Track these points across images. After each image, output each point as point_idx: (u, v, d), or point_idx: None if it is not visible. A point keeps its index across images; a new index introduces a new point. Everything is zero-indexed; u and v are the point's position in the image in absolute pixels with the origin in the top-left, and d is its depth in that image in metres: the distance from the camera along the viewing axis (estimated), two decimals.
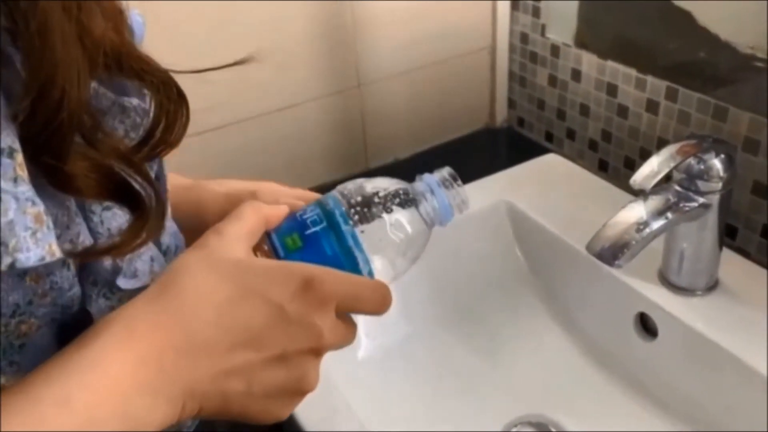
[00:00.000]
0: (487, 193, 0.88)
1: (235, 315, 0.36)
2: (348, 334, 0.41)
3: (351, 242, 0.41)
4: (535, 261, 0.85)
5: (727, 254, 0.73)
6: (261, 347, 0.36)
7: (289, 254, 0.41)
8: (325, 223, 0.42)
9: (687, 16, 0.75)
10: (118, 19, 0.35)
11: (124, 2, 0.42)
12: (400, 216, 0.43)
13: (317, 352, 0.38)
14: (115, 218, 0.36)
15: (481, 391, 0.76)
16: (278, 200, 0.48)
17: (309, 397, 0.65)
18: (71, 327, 0.37)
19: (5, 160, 0.29)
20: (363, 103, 1.01)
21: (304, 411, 0.62)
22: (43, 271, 0.34)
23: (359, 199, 0.43)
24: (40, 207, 0.31)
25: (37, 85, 0.30)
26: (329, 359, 0.67)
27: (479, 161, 1.07)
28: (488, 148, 1.11)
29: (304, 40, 0.92)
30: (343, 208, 0.42)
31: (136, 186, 0.35)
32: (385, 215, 0.42)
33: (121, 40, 0.35)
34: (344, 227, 0.41)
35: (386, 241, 0.42)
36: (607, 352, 0.77)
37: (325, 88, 0.97)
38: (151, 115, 0.38)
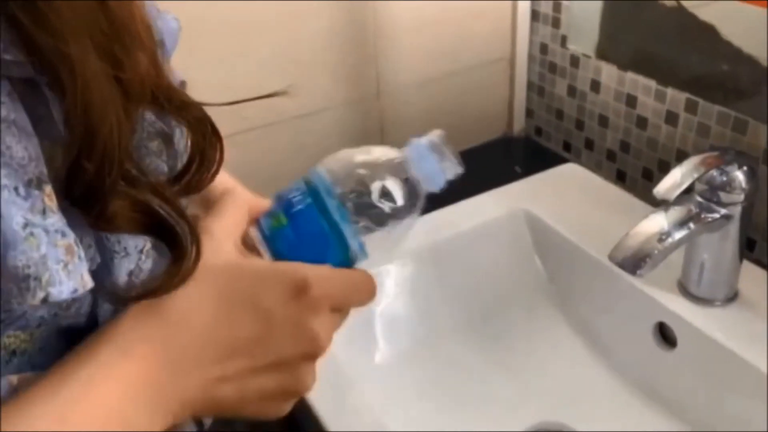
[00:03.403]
0: (506, 201, 0.89)
1: (225, 325, 0.35)
2: (340, 324, 0.40)
3: (337, 216, 0.40)
4: (554, 269, 0.85)
5: (747, 266, 0.73)
6: (253, 356, 0.36)
7: (275, 233, 0.40)
8: (310, 200, 0.40)
9: (710, 29, 0.76)
10: (155, 53, 0.33)
11: (157, 2, 0.41)
12: (390, 185, 0.41)
13: (313, 356, 0.38)
14: (132, 236, 0.36)
15: (498, 398, 0.76)
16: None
17: (328, 399, 0.66)
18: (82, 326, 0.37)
19: (34, 192, 0.29)
20: (382, 112, 1.01)
21: (324, 412, 0.63)
22: None
23: (345, 169, 0.41)
24: (70, 238, 0.31)
25: (77, 147, 0.29)
26: (348, 362, 0.68)
27: (496, 170, 1.07)
28: (506, 157, 1.12)
29: (325, 49, 0.93)
30: (329, 182, 0.41)
31: (173, 222, 0.35)
32: (373, 185, 0.41)
33: (158, 76, 0.34)
34: (329, 201, 0.40)
35: (377, 210, 0.41)
36: (625, 361, 0.77)
37: (345, 97, 0.98)
38: (186, 150, 0.37)
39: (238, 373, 0.36)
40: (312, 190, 0.41)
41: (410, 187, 0.42)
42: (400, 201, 0.41)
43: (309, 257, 0.39)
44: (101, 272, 0.35)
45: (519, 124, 1.12)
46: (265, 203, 0.43)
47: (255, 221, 0.42)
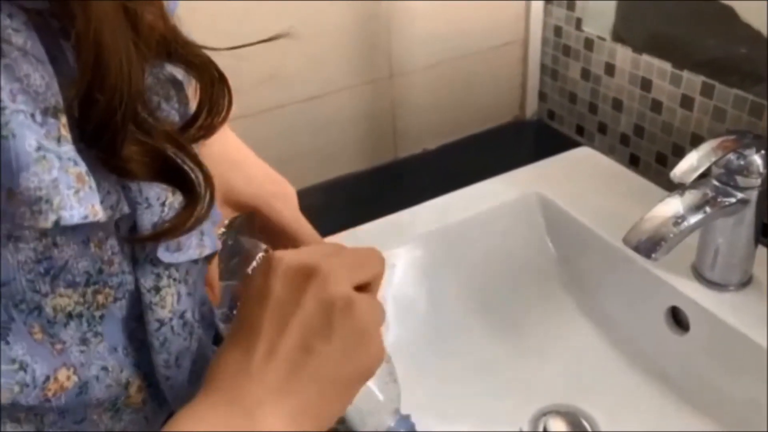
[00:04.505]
0: (519, 184, 0.88)
1: None
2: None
3: None
4: (567, 253, 0.85)
5: (762, 251, 0.73)
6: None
7: None
8: None
9: (729, 11, 0.75)
10: (161, 3, 0.35)
11: None
12: None
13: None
14: (152, 187, 0.37)
15: (509, 381, 0.76)
16: None
17: None
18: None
19: (50, 120, 0.30)
20: (394, 94, 1.01)
21: None
22: (102, 236, 0.34)
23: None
24: (82, 168, 0.31)
25: (87, 79, 0.30)
26: None
27: (508, 153, 1.07)
28: (518, 141, 1.11)
29: (338, 30, 0.92)
30: None
31: (187, 168, 0.36)
32: None
33: (166, 25, 0.35)
34: None
35: None
36: (637, 345, 0.77)
37: (357, 78, 0.97)
38: (195, 97, 0.38)
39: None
40: None
41: None
42: None
43: None
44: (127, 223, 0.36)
45: (532, 108, 1.12)
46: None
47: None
